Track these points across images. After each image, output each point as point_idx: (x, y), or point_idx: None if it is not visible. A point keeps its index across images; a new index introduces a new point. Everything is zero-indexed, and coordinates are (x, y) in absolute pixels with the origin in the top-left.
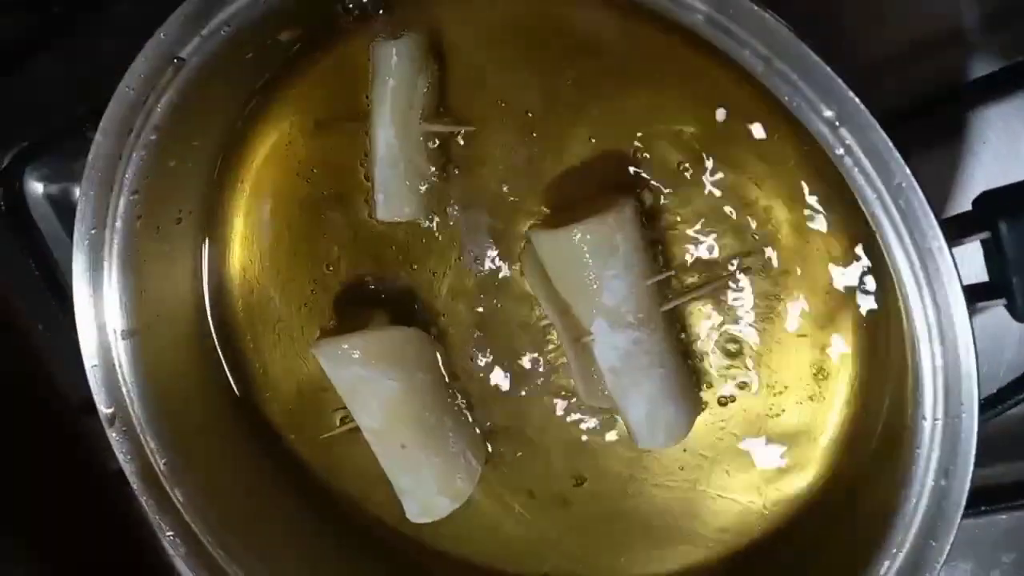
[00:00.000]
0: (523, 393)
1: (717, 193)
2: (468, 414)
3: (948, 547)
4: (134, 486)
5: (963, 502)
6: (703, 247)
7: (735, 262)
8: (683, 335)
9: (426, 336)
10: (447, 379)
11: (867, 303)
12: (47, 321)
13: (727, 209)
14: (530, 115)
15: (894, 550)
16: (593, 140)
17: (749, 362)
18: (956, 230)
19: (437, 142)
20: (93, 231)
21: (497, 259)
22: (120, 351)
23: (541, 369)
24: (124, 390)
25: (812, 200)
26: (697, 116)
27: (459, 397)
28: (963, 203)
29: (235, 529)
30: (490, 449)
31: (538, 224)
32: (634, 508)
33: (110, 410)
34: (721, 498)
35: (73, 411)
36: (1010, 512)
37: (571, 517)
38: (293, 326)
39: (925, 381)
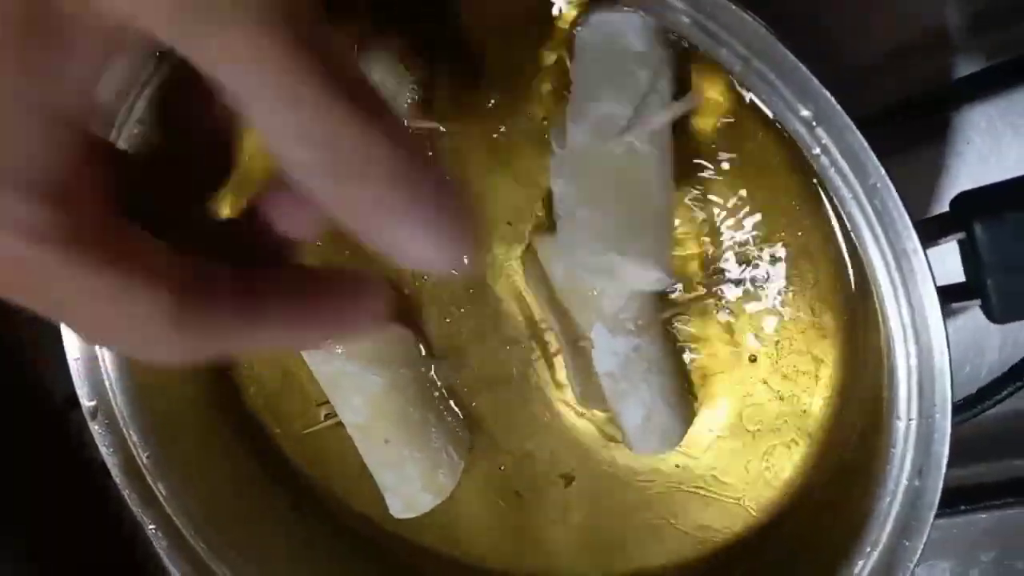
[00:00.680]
0: (511, 390)
1: (717, 200)
2: (452, 410)
3: (921, 547)
4: (116, 479)
5: (936, 502)
6: (699, 257)
7: (733, 269)
8: (678, 343)
9: (410, 332)
10: (432, 374)
11: (848, 305)
12: (34, 313)
13: (722, 217)
14: (518, 117)
15: (868, 549)
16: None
17: (741, 367)
18: (932, 231)
19: (421, 139)
20: None
21: (483, 255)
22: None
23: (530, 366)
24: (107, 383)
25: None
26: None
27: (443, 393)
28: (946, 204)
29: (218, 523)
30: (475, 445)
31: (542, 229)
32: (622, 506)
33: (92, 403)
34: (706, 497)
35: (60, 405)
36: (989, 511)
37: (558, 514)
38: None
39: (899, 382)
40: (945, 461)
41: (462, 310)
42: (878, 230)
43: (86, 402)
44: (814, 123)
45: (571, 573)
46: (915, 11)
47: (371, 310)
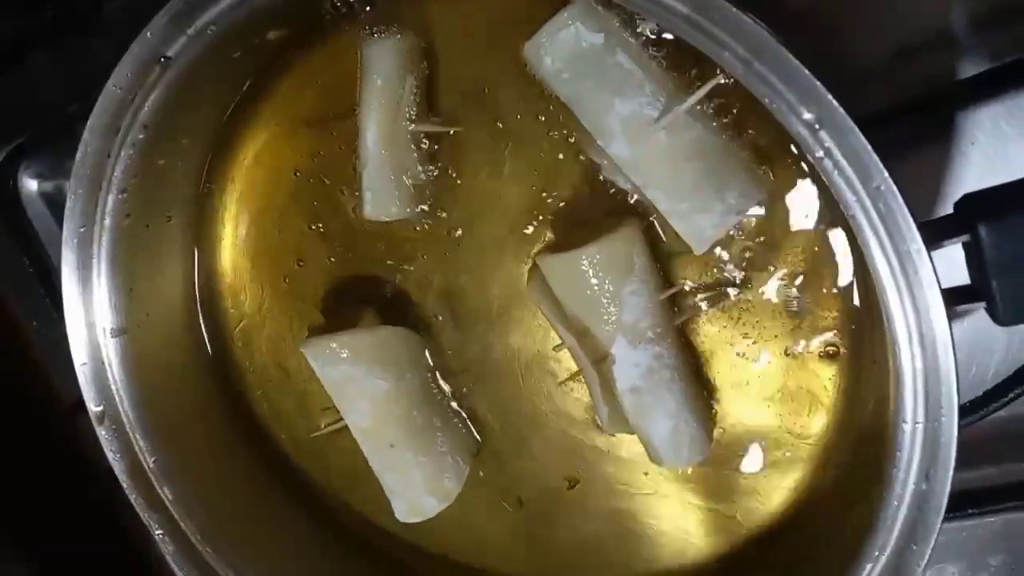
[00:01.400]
0: (517, 394)
1: None
2: (458, 414)
3: (929, 551)
4: (123, 484)
5: (943, 506)
6: (700, 263)
7: (735, 275)
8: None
9: (416, 336)
10: (438, 378)
11: (853, 308)
12: (42, 319)
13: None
14: (520, 119)
15: (876, 553)
16: (582, 157)
17: (749, 372)
18: (936, 233)
19: (427, 142)
20: (82, 229)
21: (488, 260)
22: (110, 349)
23: (535, 370)
24: (113, 388)
25: (803, 205)
26: None
27: (449, 397)
28: (951, 205)
29: (224, 527)
30: (481, 449)
31: (544, 248)
32: (624, 511)
33: (99, 408)
34: (710, 504)
35: (67, 409)
36: (998, 515)
37: (562, 518)
38: (283, 325)
39: (905, 385)
40: (952, 464)
41: (472, 316)
42: (882, 232)
43: (93, 407)
44: (817, 126)
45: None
46: (921, 12)
47: None
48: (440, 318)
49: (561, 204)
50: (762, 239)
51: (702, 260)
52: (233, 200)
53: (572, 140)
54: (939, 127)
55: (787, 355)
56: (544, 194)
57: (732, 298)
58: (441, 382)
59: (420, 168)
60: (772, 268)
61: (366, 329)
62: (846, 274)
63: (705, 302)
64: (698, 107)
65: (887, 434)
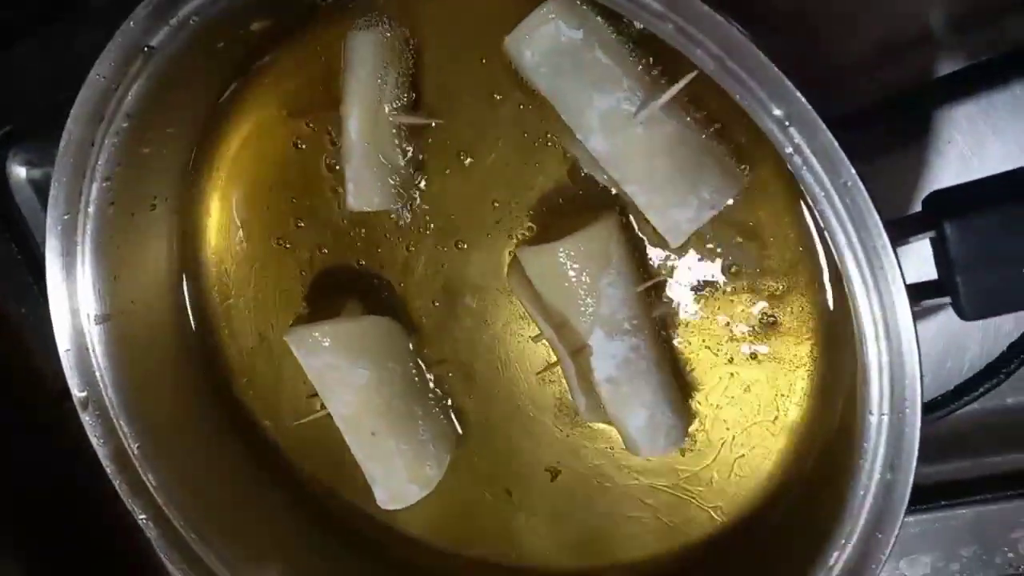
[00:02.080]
0: (499, 383)
1: None
2: (440, 403)
3: (894, 539)
4: (107, 469)
5: (907, 495)
6: (677, 256)
7: (712, 269)
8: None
9: (398, 325)
10: (422, 368)
11: (827, 303)
12: (30, 306)
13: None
14: (502, 112)
15: (843, 541)
16: (562, 151)
17: (723, 364)
18: (903, 229)
19: (410, 134)
20: (66, 216)
21: (470, 251)
22: (94, 335)
23: (515, 360)
24: (98, 374)
25: (780, 200)
26: None
27: (432, 386)
28: None
29: (208, 513)
30: (462, 437)
31: (523, 241)
32: (604, 501)
33: (83, 394)
34: (685, 494)
35: (55, 395)
36: (970, 507)
37: (544, 507)
38: (268, 314)
39: (872, 378)
40: (916, 455)
41: (453, 307)
42: (849, 228)
43: (77, 393)
44: (787, 123)
45: (555, 563)
46: (899, 11)
47: None
48: (422, 308)
49: (541, 197)
50: (738, 234)
51: (679, 253)
52: (218, 189)
53: (552, 133)
54: (916, 125)
55: (762, 348)
56: (524, 187)
57: (708, 291)
58: (424, 371)
59: (403, 160)
60: (748, 262)
61: (348, 319)
62: (820, 270)
63: (681, 294)
64: (675, 102)
65: (854, 426)
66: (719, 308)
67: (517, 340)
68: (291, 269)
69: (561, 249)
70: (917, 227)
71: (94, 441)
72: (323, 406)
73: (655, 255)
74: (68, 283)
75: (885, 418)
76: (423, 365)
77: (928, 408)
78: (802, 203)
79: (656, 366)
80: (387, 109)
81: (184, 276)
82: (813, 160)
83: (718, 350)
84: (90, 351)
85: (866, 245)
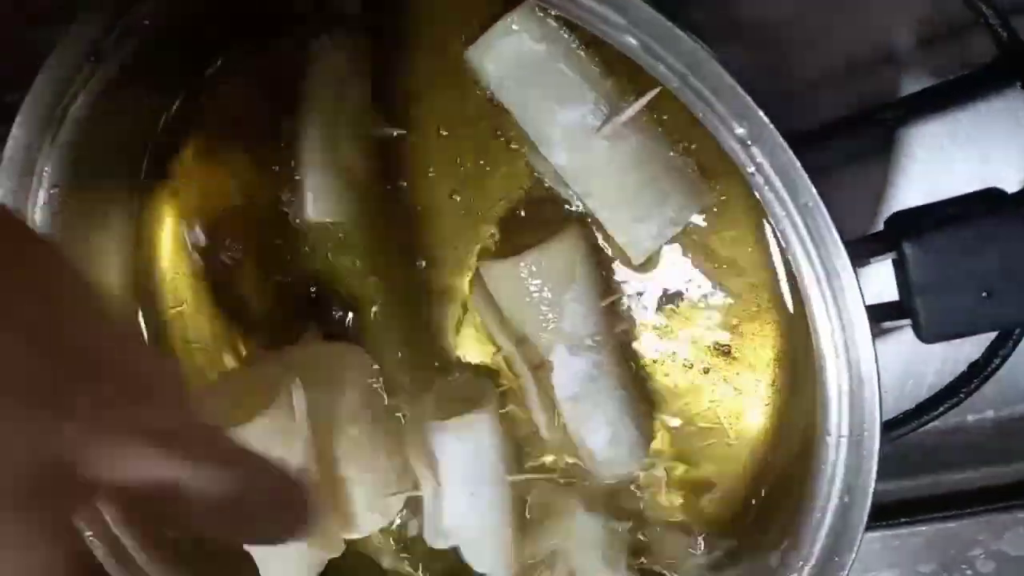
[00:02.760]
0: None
1: None
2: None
3: (850, 563)
4: None
5: (864, 519)
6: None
7: (675, 285)
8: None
9: (359, 351)
10: (384, 395)
11: (789, 322)
12: None
13: None
14: (464, 124)
15: (800, 563)
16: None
17: (686, 382)
18: (864, 250)
19: (370, 144)
20: None
21: (431, 265)
22: None
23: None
24: None
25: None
26: None
27: (399, 413)
28: None
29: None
30: None
31: (487, 256)
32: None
33: None
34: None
35: None
36: (929, 524)
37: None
38: (220, 335)
39: (831, 399)
40: (874, 478)
41: (415, 324)
42: (810, 248)
43: None
44: (749, 142)
45: None
46: (864, 28)
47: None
48: (382, 325)
49: (505, 210)
50: (702, 250)
51: (643, 269)
52: (172, 200)
53: (515, 146)
54: (880, 143)
55: (725, 366)
56: (488, 200)
57: (672, 307)
58: (386, 399)
59: (363, 170)
60: (711, 279)
61: (305, 346)
62: (783, 289)
63: (645, 311)
64: (641, 117)
65: (813, 449)
66: (683, 324)
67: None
68: (245, 281)
69: (523, 263)
70: (878, 248)
71: None
72: None
73: (619, 270)
74: None
75: (844, 440)
76: (389, 391)
77: (889, 426)
78: (765, 222)
79: (619, 383)
80: (347, 119)
81: (135, 289)
82: (775, 180)
83: (682, 367)
84: None
85: (826, 265)
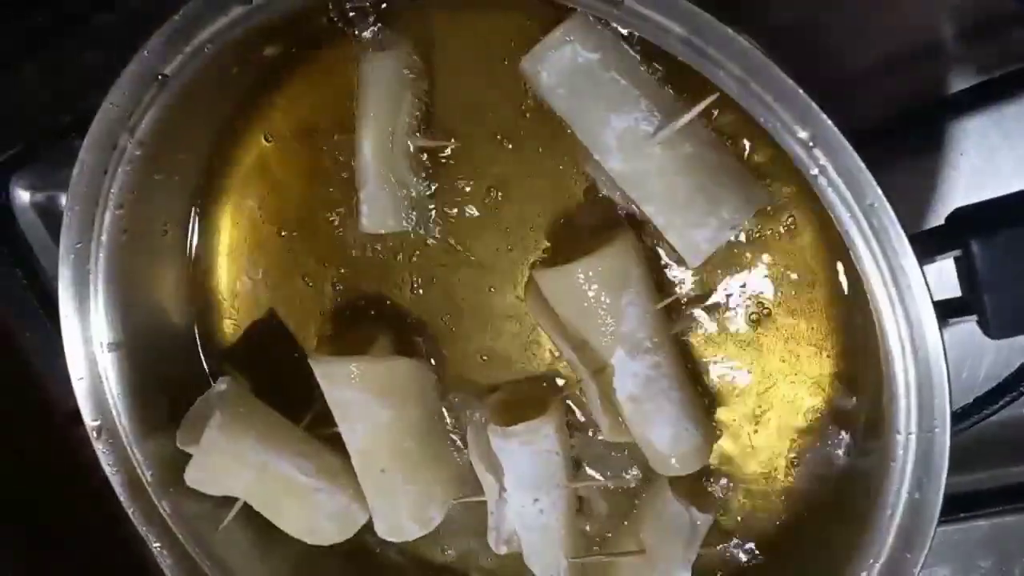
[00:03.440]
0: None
1: None
2: (457, 446)
3: (923, 559)
4: (120, 497)
5: (936, 515)
6: (696, 274)
7: (732, 287)
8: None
9: (426, 367)
10: (443, 412)
11: (848, 320)
12: (34, 328)
13: None
14: (518, 134)
15: (871, 561)
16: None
17: (743, 382)
18: (929, 248)
19: (425, 156)
20: (79, 245)
21: (486, 273)
22: (106, 364)
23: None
24: (111, 402)
25: (800, 218)
26: None
27: (451, 428)
28: (941, 215)
29: (223, 540)
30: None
31: (540, 262)
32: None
33: (96, 423)
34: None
35: (64, 417)
36: (988, 519)
37: None
38: (280, 340)
39: (899, 396)
40: (945, 474)
41: (468, 333)
42: (875, 247)
43: (90, 422)
44: (811, 144)
45: None
46: (911, 24)
47: None
48: (438, 335)
49: (559, 217)
50: (758, 252)
51: (698, 271)
52: (230, 213)
53: (569, 155)
54: (929, 140)
55: (782, 365)
56: (542, 207)
57: (726, 307)
58: (445, 415)
59: (418, 182)
60: (768, 280)
61: (380, 359)
62: (842, 288)
63: (701, 312)
64: (695, 121)
65: (881, 445)
66: (737, 324)
67: (536, 364)
68: (302, 293)
69: (579, 270)
70: (943, 245)
71: (107, 469)
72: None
73: (674, 272)
74: (81, 312)
75: (912, 437)
76: (445, 410)
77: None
78: (823, 220)
79: (678, 383)
80: (402, 132)
81: (196, 302)
82: (838, 181)
83: (739, 367)
84: (103, 379)
85: (892, 264)
